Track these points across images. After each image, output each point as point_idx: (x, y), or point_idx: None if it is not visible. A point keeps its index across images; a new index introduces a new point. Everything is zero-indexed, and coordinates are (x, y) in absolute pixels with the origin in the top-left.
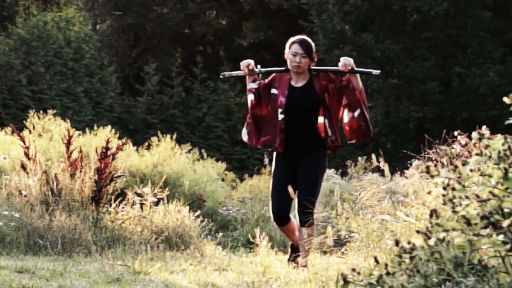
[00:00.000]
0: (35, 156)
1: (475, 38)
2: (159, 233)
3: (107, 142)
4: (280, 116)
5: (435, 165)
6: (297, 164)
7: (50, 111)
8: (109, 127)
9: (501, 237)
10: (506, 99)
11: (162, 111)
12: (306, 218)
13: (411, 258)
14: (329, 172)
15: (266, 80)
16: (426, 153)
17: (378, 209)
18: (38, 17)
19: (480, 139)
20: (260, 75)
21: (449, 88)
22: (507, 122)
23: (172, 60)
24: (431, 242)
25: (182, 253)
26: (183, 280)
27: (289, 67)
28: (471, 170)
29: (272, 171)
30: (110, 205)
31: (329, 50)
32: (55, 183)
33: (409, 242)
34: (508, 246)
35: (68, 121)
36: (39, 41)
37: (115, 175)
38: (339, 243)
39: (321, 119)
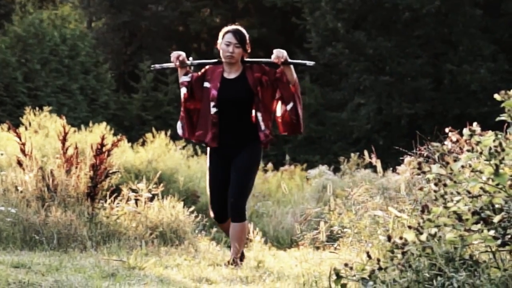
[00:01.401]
0: (31, 153)
1: (466, 35)
2: (153, 229)
3: (102, 138)
4: (213, 110)
5: (427, 161)
6: (231, 158)
7: (46, 108)
8: (104, 123)
9: (492, 232)
10: (497, 96)
11: (157, 108)
12: (236, 213)
13: (403, 254)
14: (322, 168)
15: (199, 73)
16: (418, 149)
17: (371, 204)
18: (34, 15)
19: (471, 136)
20: (192, 67)
21: (440, 85)
22: (498, 118)
23: (166, 58)
24: (423, 237)
25: (176, 248)
26: (178, 275)
27: (222, 57)
28: (462, 166)
29: (207, 166)
30: (105, 201)
31: (321, 47)
32: (51, 179)
33: (401, 238)
34: (498, 242)
35: (64, 117)
36: (35, 39)
37: (110, 171)
38: (332, 238)
39: (254, 113)
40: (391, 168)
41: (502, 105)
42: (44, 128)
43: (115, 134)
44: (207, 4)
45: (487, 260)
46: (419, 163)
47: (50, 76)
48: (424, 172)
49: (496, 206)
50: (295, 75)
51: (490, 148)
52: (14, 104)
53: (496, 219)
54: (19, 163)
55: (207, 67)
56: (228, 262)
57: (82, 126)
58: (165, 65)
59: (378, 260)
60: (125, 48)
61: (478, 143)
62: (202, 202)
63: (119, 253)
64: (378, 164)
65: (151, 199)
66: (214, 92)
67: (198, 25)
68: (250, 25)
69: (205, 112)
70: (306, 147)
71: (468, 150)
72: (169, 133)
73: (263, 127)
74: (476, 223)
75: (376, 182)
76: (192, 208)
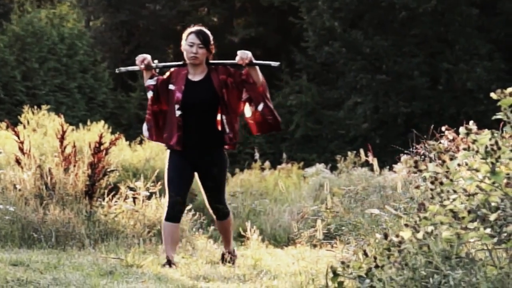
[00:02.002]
0: (29, 151)
1: (462, 34)
2: (151, 227)
3: (100, 137)
4: (177, 113)
5: (423, 160)
6: (196, 161)
7: (44, 107)
8: (102, 122)
9: (488, 230)
10: (493, 95)
11: None
12: (222, 213)
13: (400, 251)
14: (319, 167)
15: (165, 76)
16: (414, 148)
17: (367, 203)
18: (32, 14)
19: (467, 134)
20: (158, 70)
21: (437, 84)
22: (494, 117)
23: (164, 57)
24: (419, 235)
25: None
26: (175, 273)
27: (186, 59)
28: (458, 165)
29: (167, 166)
30: (103, 199)
31: (318, 46)
32: (49, 178)
33: (397, 236)
34: (495, 240)
35: (62, 116)
36: (33, 38)
37: (108, 170)
38: (329, 236)
39: (219, 116)
40: (387, 167)
41: (498, 103)
42: (42, 127)
43: (113, 133)
44: (204, 3)
45: (483, 258)
46: (416, 162)
47: (48, 74)
48: (420, 171)
49: (492, 204)
50: (261, 76)
51: (486, 147)
52: (13, 102)
53: (492, 217)
54: (18, 162)
55: (172, 69)
56: (223, 255)
57: (80, 125)
58: (131, 68)
59: (375, 258)
60: (123, 47)
61: (474, 141)
62: (199, 201)
63: (117, 251)
64: (374, 162)
65: (149, 197)
66: (178, 95)
67: (195, 24)
68: (247, 24)
69: (171, 115)
70: (303, 145)
71: (464, 149)
72: None
73: (227, 130)
74: (473, 221)
75: (372, 180)
76: (190, 207)
